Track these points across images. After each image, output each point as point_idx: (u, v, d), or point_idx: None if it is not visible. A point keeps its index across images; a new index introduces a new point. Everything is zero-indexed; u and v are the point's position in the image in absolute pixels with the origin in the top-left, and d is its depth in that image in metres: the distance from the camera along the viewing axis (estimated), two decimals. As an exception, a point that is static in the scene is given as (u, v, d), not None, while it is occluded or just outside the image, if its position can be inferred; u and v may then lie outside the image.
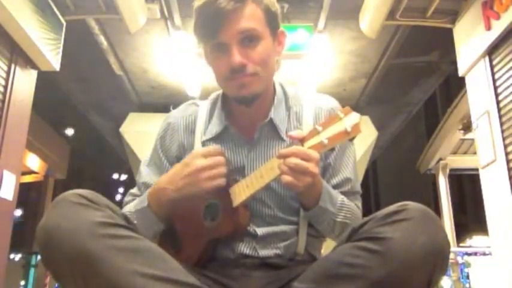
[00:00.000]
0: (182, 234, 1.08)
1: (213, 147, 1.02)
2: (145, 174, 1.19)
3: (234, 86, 1.03)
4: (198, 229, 1.05)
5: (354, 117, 0.90)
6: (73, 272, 0.81)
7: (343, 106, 0.99)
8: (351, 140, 0.93)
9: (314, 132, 0.93)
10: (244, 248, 1.04)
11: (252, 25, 1.00)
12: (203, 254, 1.04)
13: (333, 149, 0.97)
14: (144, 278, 0.79)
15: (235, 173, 1.07)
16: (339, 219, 1.05)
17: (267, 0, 1.04)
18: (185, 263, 0.94)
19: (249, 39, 1.01)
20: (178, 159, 1.15)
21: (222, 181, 0.98)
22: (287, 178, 0.92)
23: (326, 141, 0.91)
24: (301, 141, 0.95)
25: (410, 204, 0.85)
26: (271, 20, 1.05)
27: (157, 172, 1.17)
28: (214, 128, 1.13)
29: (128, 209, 1.10)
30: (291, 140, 0.98)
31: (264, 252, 1.04)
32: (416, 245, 0.80)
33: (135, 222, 0.99)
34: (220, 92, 1.17)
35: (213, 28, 1.00)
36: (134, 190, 1.20)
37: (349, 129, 0.90)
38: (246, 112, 1.09)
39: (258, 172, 0.99)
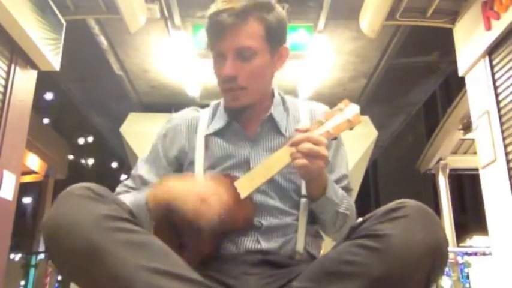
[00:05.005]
0: (186, 234, 1.08)
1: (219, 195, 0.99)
2: (141, 168, 1.21)
3: (227, 97, 1.15)
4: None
5: (354, 107, 1.00)
6: (78, 264, 0.81)
7: None
8: (351, 129, 1.01)
9: (319, 124, 1.01)
10: (248, 241, 1.05)
11: (248, 43, 1.08)
12: (210, 251, 1.05)
13: (335, 138, 1.04)
14: (148, 272, 0.79)
15: (241, 165, 1.12)
16: (341, 210, 1.09)
17: (273, 17, 1.10)
18: (190, 262, 0.95)
19: (245, 55, 1.09)
20: (178, 159, 1.19)
21: (205, 221, 0.94)
22: (302, 161, 0.97)
23: (331, 130, 1.00)
24: (307, 132, 1.01)
25: (409, 201, 0.87)
26: (273, 36, 1.11)
27: (153, 169, 1.20)
28: (218, 124, 1.18)
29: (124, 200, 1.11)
30: (297, 132, 1.02)
31: (266, 245, 1.05)
32: (415, 242, 0.81)
33: None
34: (221, 99, 1.24)
35: (214, 38, 1.10)
36: (128, 181, 1.21)
37: (351, 118, 0.99)
38: (248, 110, 1.15)
39: (264, 164, 1.04)
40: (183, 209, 0.94)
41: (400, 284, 0.81)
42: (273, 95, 1.21)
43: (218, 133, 1.17)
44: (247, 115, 1.16)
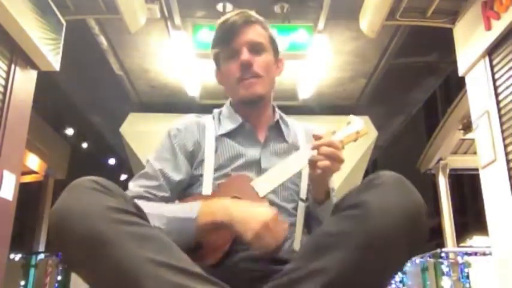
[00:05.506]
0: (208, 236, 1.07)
1: (284, 225, 1.01)
2: (157, 164, 1.18)
3: (243, 86, 1.20)
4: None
5: (360, 121, 1.15)
6: (84, 255, 0.82)
7: (343, 106, 1.19)
8: (355, 140, 1.14)
9: (330, 134, 1.12)
10: None
11: (259, 39, 1.22)
12: (228, 248, 1.05)
13: (343, 148, 1.11)
14: (153, 264, 0.80)
15: (252, 165, 1.18)
16: None
17: (270, 31, 1.28)
18: (207, 261, 0.99)
19: (256, 48, 1.21)
20: (193, 155, 1.20)
21: (258, 249, 0.97)
22: (325, 162, 1.04)
23: (344, 139, 1.12)
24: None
25: (384, 171, 0.93)
26: (274, 45, 1.27)
27: (171, 164, 1.18)
28: (229, 125, 1.25)
29: (155, 210, 1.05)
30: (314, 138, 1.09)
31: None
32: (391, 205, 0.86)
33: (163, 227, 1.00)
34: (221, 108, 1.32)
35: (228, 37, 1.21)
36: (142, 181, 1.16)
37: (359, 130, 1.13)
38: (254, 116, 1.25)
39: (280, 166, 1.14)
40: (244, 233, 0.95)
41: (383, 251, 0.84)
42: (274, 107, 1.32)
43: (229, 134, 1.23)
44: (256, 120, 1.25)
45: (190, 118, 1.27)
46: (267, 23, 1.28)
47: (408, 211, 0.86)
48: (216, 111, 1.32)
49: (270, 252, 0.97)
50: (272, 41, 1.27)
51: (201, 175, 1.17)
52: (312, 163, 1.07)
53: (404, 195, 0.88)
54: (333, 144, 1.06)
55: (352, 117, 1.15)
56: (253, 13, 1.25)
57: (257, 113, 1.26)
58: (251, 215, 0.97)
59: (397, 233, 0.84)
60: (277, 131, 1.27)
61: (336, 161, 1.05)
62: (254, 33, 1.22)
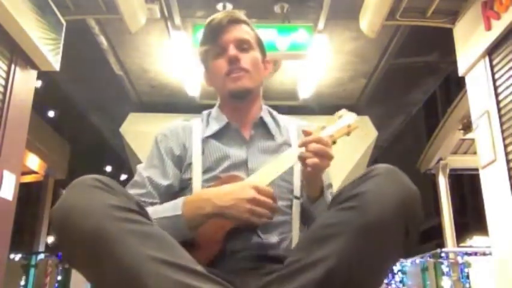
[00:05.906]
0: (200, 233, 1.08)
1: (267, 188, 1.06)
2: (146, 172, 1.20)
3: (231, 80, 1.21)
4: (217, 223, 1.08)
5: (351, 115, 1.13)
6: (86, 253, 0.83)
7: (343, 106, 1.18)
8: (348, 134, 1.11)
9: (320, 130, 1.10)
10: (248, 236, 1.10)
11: (246, 37, 1.25)
12: (222, 247, 1.07)
13: (335, 143, 1.10)
14: (156, 262, 0.80)
15: (239, 166, 1.18)
16: None
17: (257, 32, 1.30)
18: (202, 261, 0.98)
19: (243, 46, 1.23)
20: (180, 159, 1.21)
21: (260, 221, 1.04)
22: (314, 160, 1.02)
23: (335, 134, 1.09)
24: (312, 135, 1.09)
25: (379, 164, 0.96)
26: (260, 45, 1.29)
27: (160, 171, 1.19)
28: (215, 126, 1.25)
29: None
30: (304, 134, 1.07)
31: (266, 238, 1.11)
32: (387, 194, 0.88)
33: None
34: (211, 110, 1.33)
35: (215, 35, 1.23)
36: (137, 190, 1.17)
37: (350, 124, 1.10)
38: (241, 114, 1.26)
39: (271, 164, 1.12)
40: (238, 217, 1.02)
41: (381, 235, 0.86)
42: (261, 105, 1.31)
43: (215, 135, 1.23)
44: (242, 119, 1.25)
45: (176, 123, 1.28)
46: (253, 25, 1.30)
47: (403, 197, 0.88)
48: (204, 112, 1.32)
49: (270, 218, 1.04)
50: (259, 41, 1.28)
51: (190, 178, 1.17)
52: (301, 160, 1.05)
53: (399, 183, 0.91)
54: (321, 140, 1.04)
55: (343, 111, 1.13)
56: (240, 13, 1.27)
57: (245, 110, 1.25)
58: (235, 197, 1.02)
59: (393, 218, 0.87)
60: (262, 128, 1.26)
61: (325, 157, 1.03)
62: (241, 32, 1.24)
